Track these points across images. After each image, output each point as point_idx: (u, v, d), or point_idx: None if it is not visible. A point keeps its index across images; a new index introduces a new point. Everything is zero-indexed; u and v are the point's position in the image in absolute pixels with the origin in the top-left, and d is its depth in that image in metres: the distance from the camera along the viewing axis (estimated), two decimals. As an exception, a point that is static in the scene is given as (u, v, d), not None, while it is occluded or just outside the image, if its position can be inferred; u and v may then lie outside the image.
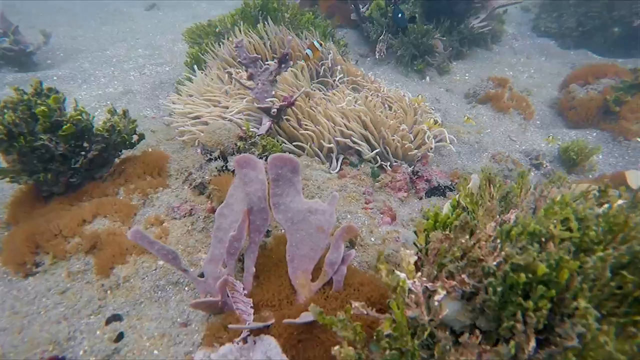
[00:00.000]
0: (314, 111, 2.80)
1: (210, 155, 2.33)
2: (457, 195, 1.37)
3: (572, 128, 4.05)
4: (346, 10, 5.96)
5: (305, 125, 2.74)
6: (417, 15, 4.92)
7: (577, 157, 3.27)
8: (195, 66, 3.71)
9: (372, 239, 2.03)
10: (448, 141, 3.11)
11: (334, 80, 3.48)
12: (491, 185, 1.39)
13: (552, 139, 3.51)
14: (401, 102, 3.21)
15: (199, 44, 4.21)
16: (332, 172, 2.65)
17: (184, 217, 2.17)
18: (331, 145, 2.72)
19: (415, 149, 2.90)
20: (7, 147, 2.07)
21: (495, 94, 4.22)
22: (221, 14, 4.24)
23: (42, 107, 2.06)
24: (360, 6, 5.46)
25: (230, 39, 3.71)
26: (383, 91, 3.38)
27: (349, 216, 2.20)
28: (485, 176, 1.41)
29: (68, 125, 2.12)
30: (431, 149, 2.98)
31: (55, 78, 4.77)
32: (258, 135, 2.41)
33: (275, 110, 2.51)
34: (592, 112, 3.94)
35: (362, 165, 2.81)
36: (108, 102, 4.33)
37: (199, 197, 2.29)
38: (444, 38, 5.08)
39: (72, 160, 2.24)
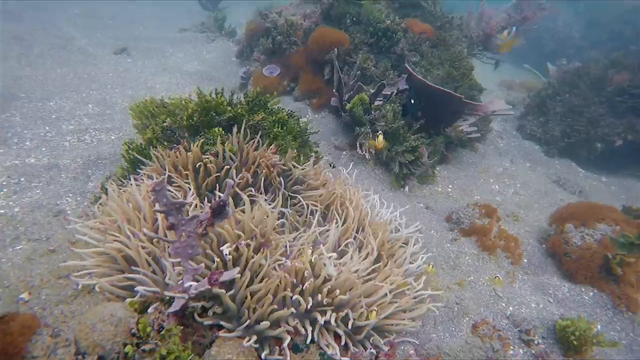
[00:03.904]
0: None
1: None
2: None
3: (566, 280, 3.50)
4: (327, 92, 5.49)
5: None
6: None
7: (578, 343, 2.67)
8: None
9: None
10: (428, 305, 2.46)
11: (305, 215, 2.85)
12: None
13: (498, 280, 2.94)
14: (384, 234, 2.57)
15: (145, 128, 3.47)
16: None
17: None
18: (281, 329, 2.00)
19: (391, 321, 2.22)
20: None
21: (482, 227, 3.66)
22: (179, 96, 3.58)
23: None
24: (344, 95, 4.98)
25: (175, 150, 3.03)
26: (365, 218, 2.75)
27: None
28: None
29: None
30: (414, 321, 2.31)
31: (-36, 135, 3.96)
32: (162, 330, 1.67)
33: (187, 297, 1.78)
34: (590, 267, 3.42)
35: (309, 351, 2.09)
36: (21, 179, 3.53)
37: None
38: (429, 146, 4.60)
39: None
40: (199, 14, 11.10)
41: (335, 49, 5.26)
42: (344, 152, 4.81)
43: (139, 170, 2.92)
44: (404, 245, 2.86)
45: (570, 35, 13.97)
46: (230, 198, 2.40)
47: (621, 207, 4.45)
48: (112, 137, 4.51)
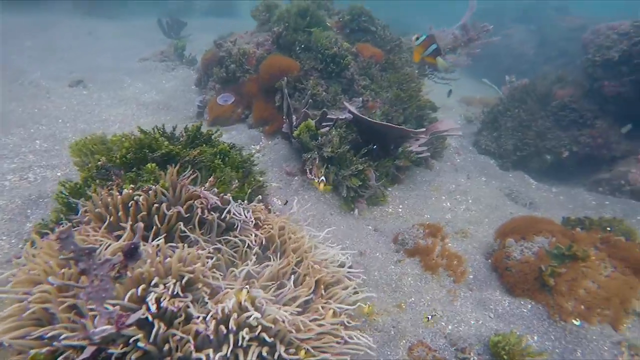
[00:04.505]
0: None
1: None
2: None
3: (507, 294, 3.59)
4: (279, 118, 5.57)
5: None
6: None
7: (508, 357, 2.73)
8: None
9: None
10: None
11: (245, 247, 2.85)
12: None
13: (427, 321, 2.99)
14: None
15: (86, 166, 3.43)
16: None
17: None
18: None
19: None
20: None
21: (426, 247, 3.75)
22: (120, 133, 3.57)
23: None
24: (295, 122, 5.07)
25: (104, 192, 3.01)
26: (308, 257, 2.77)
27: None
28: None
29: None
30: None
31: None
32: None
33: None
34: (529, 281, 3.53)
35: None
36: (-48, 224, 3.42)
37: None
38: (377, 172, 4.70)
39: None
40: (162, 42, 11.15)
41: (285, 77, 5.38)
42: (296, 178, 4.86)
43: (68, 217, 2.88)
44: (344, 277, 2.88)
45: (524, 52, 14.68)
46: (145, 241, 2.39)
47: (562, 218, 4.65)
48: (58, 174, 4.44)
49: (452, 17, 8.16)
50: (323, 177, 4.34)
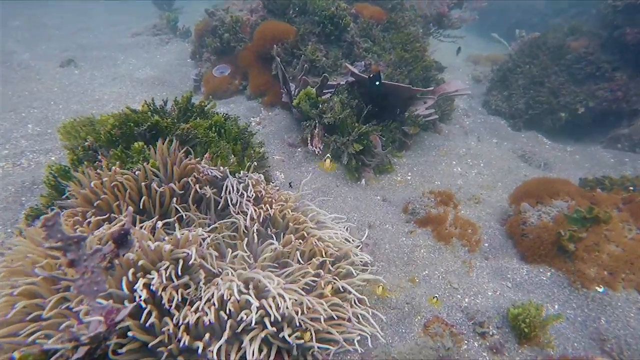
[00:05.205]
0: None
1: None
2: None
3: (525, 262, 3.42)
4: (277, 88, 5.29)
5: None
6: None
7: (529, 330, 2.59)
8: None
9: None
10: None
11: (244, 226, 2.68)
12: None
13: (436, 301, 2.83)
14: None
15: (73, 150, 3.24)
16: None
17: None
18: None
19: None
20: None
21: (437, 216, 3.56)
22: (107, 113, 3.35)
23: None
24: (294, 90, 4.79)
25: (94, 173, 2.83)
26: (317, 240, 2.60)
27: None
28: None
29: None
30: None
31: None
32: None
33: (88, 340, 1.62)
34: (545, 247, 3.34)
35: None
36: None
37: None
38: (383, 137, 4.46)
39: None
40: (154, 15, 10.69)
41: (277, 45, 5.06)
42: (299, 150, 4.65)
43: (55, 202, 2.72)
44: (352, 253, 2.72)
45: (534, 4, 13.88)
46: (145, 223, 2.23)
47: (579, 180, 4.40)
48: (53, 159, 4.29)
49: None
50: (329, 155, 4.11)
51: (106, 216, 2.52)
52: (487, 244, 3.65)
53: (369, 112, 4.39)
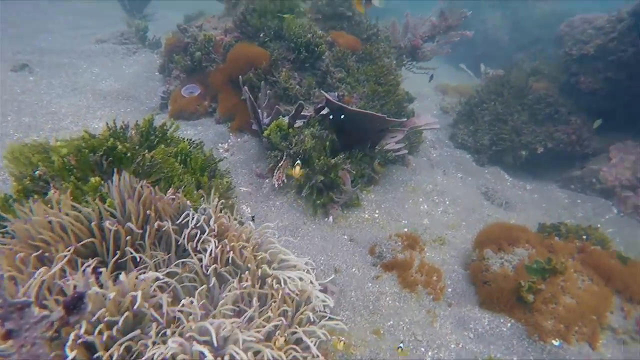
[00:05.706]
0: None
1: None
2: None
3: (486, 309, 3.48)
4: (247, 114, 5.17)
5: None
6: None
7: (491, 389, 2.62)
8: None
9: None
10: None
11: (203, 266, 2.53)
12: None
13: (400, 351, 2.82)
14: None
15: (20, 179, 2.97)
16: None
17: None
18: None
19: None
20: None
21: (404, 261, 3.56)
22: (65, 140, 3.11)
23: None
24: (264, 117, 4.69)
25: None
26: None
27: None
28: None
29: None
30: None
31: None
32: None
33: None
34: (506, 296, 3.41)
35: None
36: None
37: None
38: (353, 171, 4.44)
39: None
40: (122, 21, 10.28)
41: (250, 69, 4.97)
42: (267, 180, 4.55)
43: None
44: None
45: (499, 37, 14.60)
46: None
47: (538, 224, 4.57)
48: (-4, 180, 3.94)
49: (432, 4, 7.83)
50: (299, 162, 3.98)
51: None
52: (450, 289, 3.68)
53: (341, 144, 4.37)
